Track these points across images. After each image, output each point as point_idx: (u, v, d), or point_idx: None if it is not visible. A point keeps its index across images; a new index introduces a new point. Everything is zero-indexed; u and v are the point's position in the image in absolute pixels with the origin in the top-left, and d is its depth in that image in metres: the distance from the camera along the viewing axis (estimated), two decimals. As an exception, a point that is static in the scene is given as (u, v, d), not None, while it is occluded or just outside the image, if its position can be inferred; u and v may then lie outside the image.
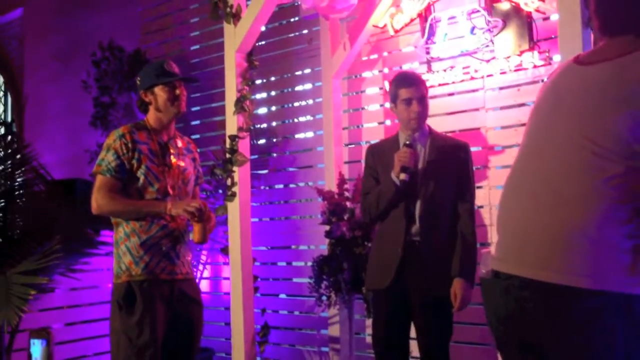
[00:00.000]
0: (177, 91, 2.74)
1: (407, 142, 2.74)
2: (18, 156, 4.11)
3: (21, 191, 4.07)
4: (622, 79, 1.50)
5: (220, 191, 3.93)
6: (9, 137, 4.32)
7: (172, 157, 2.77)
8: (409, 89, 2.81)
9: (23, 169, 4.08)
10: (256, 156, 4.16)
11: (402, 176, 2.71)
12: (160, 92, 2.73)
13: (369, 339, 3.42)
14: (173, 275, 2.71)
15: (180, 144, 2.87)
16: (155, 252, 2.67)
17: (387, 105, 3.66)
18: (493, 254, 1.66)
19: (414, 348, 2.81)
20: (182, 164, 2.82)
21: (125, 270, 2.65)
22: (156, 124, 2.77)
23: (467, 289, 2.71)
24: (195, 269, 4.24)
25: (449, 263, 2.74)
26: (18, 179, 4.10)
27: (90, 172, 2.73)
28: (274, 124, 4.37)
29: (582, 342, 1.46)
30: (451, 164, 2.79)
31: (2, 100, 6.45)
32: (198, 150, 3.03)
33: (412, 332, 2.81)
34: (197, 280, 2.97)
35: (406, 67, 3.63)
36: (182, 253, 2.77)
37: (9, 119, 6.23)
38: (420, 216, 2.76)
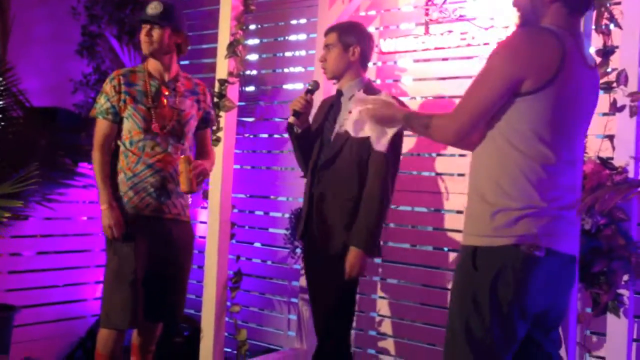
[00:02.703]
0: (144, 32, 2.84)
1: (309, 87, 2.82)
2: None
3: None
4: None
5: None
6: (-9, 59, 4.21)
7: (164, 98, 2.78)
8: (325, 36, 2.86)
9: (2, 92, 3.98)
10: (243, 103, 4.11)
11: (291, 119, 2.77)
12: (141, 32, 2.87)
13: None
14: (160, 213, 2.80)
15: (184, 85, 2.93)
16: (140, 189, 2.79)
17: (380, 63, 3.64)
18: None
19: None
20: (178, 105, 2.86)
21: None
22: (151, 65, 2.90)
23: (359, 259, 2.61)
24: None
25: (342, 226, 2.67)
26: (-3, 102, 4.00)
27: (90, 114, 2.92)
28: (263, 72, 4.31)
29: None
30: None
31: (-14, 19, 6.25)
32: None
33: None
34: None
35: (403, 27, 3.58)
36: (175, 193, 2.83)
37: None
38: (318, 170, 2.76)
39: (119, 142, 2.86)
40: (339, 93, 2.84)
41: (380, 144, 2.18)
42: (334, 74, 2.83)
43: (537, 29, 1.82)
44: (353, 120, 2.08)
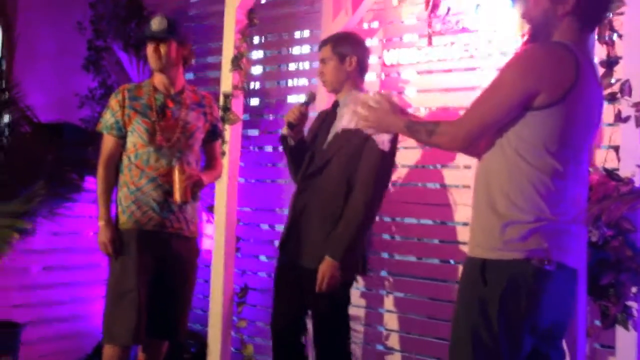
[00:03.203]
0: (151, 49, 2.85)
1: (305, 99, 2.77)
2: (6, 95, 4.03)
3: (6, 131, 4.00)
4: None
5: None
6: (-3, 75, 4.24)
7: (169, 110, 2.78)
8: (320, 50, 2.83)
9: (9, 108, 4.01)
10: (248, 116, 4.11)
11: (284, 130, 2.75)
12: (148, 47, 2.88)
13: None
14: (162, 227, 2.78)
15: (190, 98, 2.94)
16: (143, 203, 2.78)
17: (383, 75, 3.64)
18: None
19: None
20: (184, 117, 2.85)
21: (117, 217, 2.83)
22: (156, 79, 2.91)
23: (330, 268, 2.53)
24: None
25: (322, 238, 2.59)
26: (4, 119, 4.03)
27: (96, 129, 2.93)
28: (267, 84, 4.32)
29: None
30: (360, 133, 2.38)
31: (-7, 35, 6.30)
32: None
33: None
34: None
35: (407, 38, 3.58)
36: (177, 207, 2.82)
37: (-1, 56, 6.10)
38: (305, 179, 2.72)
39: (124, 157, 2.87)
40: (336, 104, 2.83)
41: (382, 143, 2.18)
42: (334, 87, 2.82)
43: (553, 43, 1.80)
44: (349, 117, 2.08)
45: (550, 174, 1.76)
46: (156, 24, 2.85)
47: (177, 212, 2.84)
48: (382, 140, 2.39)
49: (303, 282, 2.65)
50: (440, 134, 1.86)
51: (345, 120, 2.14)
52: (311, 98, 2.81)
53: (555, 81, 1.72)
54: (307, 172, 2.75)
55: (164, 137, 2.81)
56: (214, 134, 3.03)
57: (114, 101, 2.86)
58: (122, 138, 2.85)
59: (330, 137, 2.74)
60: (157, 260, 2.80)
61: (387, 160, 2.65)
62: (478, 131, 1.81)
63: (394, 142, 2.58)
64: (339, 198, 2.62)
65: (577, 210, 1.84)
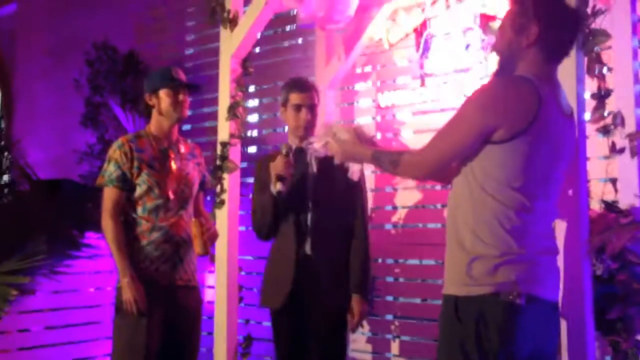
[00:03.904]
0: (180, 96, 2.84)
1: (284, 151, 2.65)
2: (5, 154, 4.06)
3: (5, 190, 4.02)
4: None
5: (209, 198, 3.89)
6: (-3, 134, 4.28)
7: (172, 162, 2.80)
8: (300, 95, 2.75)
9: (8, 166, 4.03)
10: (246, 164, 4.12)
11: (278, 186, 2.62)
12: (164, 96, 2.83)
13: (352, 354, 3.39)
14: (172, 280, 2.74)
15: (183, 149, 2.93)
16: (155, 257, 2.73)
17: (379, 118, 3.66)
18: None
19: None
20: (184, 168, 2.87)
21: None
22: (157, 129, 2.86)
23: (364, 305, 2.69)
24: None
25: (344, 278, 2.70)
26: (4, 177, 4.05)
27: (96, 184, 2.82)
28: (264, 132, 4.35)
29: None
30: (343, 173, 2.34)
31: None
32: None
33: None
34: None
35: (400, 81, 3.62)
36: (186, 259, 2.80)
37: (-1, 115, 6.16)
38: (311, 230, 2.69)
39: (128, 210, 2.80)
40: (299, 149, 2.77)
41: (353, 173, 2.20)
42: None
43: (514, 77, 1.83)
44: (319, 145, 2.11)
45: (515, 209, 1.77)
46: (178, 73, 2.87)
47: (185, 263, 2.82)
48: (353, 170, 2.36)
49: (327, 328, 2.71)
50: (403, 165, 1.90)
51: (316, 145, 2.14)
52: (289, 149, 2.70)
53: (514, 116, 1.74)
54: (306, 224, 2.72)
55: (171, 189, 2.80)
56: (202, 185, 3.04)
57: (118, 153, 2.77)
58: (127, 191, 2.77)
59: (311, 178, 2.74)
60: (169, 315, 2.74)
61: (365, 191, 2.80)
62: (439, 163, 1.86)
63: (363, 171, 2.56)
64: (344, 243, 2.76)
65: (548, 243, 1.84)
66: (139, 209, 2.78)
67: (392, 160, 1.92)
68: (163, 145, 2.85)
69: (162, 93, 2.83)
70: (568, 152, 1.91)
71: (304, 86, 2.80)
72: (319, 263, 2.67)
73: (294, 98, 2.76)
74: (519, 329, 1.75)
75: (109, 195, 2.77)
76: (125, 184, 2.77)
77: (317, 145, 2.16)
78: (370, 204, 3.28)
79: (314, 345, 2.69)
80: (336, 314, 2.68)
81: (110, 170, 2.77)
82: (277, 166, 2.63)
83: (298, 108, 2.75)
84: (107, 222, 2.74)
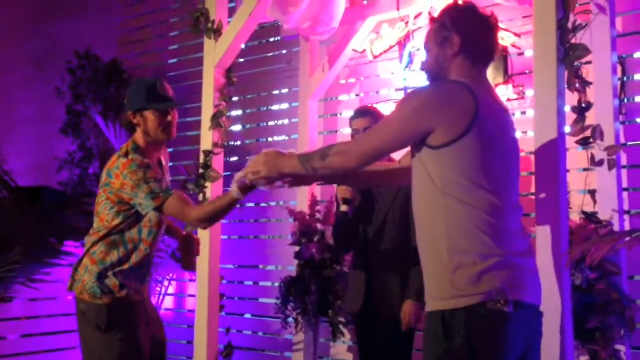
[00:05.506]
0: (169, 117, 2.50)
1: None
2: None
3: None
4: None
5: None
6: (-24, 141, 4.23)
7: (165, 174, 2.69)
8: (356, 120, 2.92)
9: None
10: (229, 173, 4.12)
11: (344, 208, 2.83)
12: (150, 117, 2.49)
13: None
14: (141, 295, 2.66)
15: (164, 161, 2.70)
16: (138, 276, 2.55)
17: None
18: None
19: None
20: (169, 179, 2.75)
21: (108, 292, 2.48)
22: (145, 145, 2.54)
23: (415, 309, 2.73)
24: (160, 285, 4.18)
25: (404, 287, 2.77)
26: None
27: (157, 206, 2.43)
28: (247, 142, 4.36)
29: None
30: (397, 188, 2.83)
31: (-29, 102, 6.31)
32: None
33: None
34: (160, 297, 2.95)
35: (383, 92, 3.66)
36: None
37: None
38: (371, 242, 2.83)
39: (131, 231, 2.50)
40: None
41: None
42: None
43: (448, 81, 1.87)
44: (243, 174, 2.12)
45: (487, 210, 1.75)
46: (168, 90, 2.52)
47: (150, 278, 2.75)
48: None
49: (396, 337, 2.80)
50: (334, 154, 1.89)
51: (241, 174, 2.14)
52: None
53: (452, 116, 1.75)
54: (367, 238, 2.88)
55: None
56: None
57: (150, 170, 2.43)
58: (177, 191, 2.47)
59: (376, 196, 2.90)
60: (146, 328, 2.64)
61: None
62: (372, 156, 1.87)
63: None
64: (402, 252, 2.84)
65: (524, 243, 1.83)
66: (145, 231, 2.51)
67: (323, 154, 1.91)
68: (153, 158, 2.57)
69: (149, 113, 2.48)
70: (515, 144, 1.93)
71: (362, 112, 2.97)
72: (384, 274, 2.81)
73: (354, 124, 2.94)
74: (508, 336, 1.73)
75: (174, 202, 2.42)
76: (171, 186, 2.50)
77: (241, 173, 2.15)
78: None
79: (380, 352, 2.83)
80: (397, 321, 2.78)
81: (156, 185, 2.42)
82: (342, 190, 2.83)
83: (357, 133, 2.90)
84: (194, 214, 2.43)
